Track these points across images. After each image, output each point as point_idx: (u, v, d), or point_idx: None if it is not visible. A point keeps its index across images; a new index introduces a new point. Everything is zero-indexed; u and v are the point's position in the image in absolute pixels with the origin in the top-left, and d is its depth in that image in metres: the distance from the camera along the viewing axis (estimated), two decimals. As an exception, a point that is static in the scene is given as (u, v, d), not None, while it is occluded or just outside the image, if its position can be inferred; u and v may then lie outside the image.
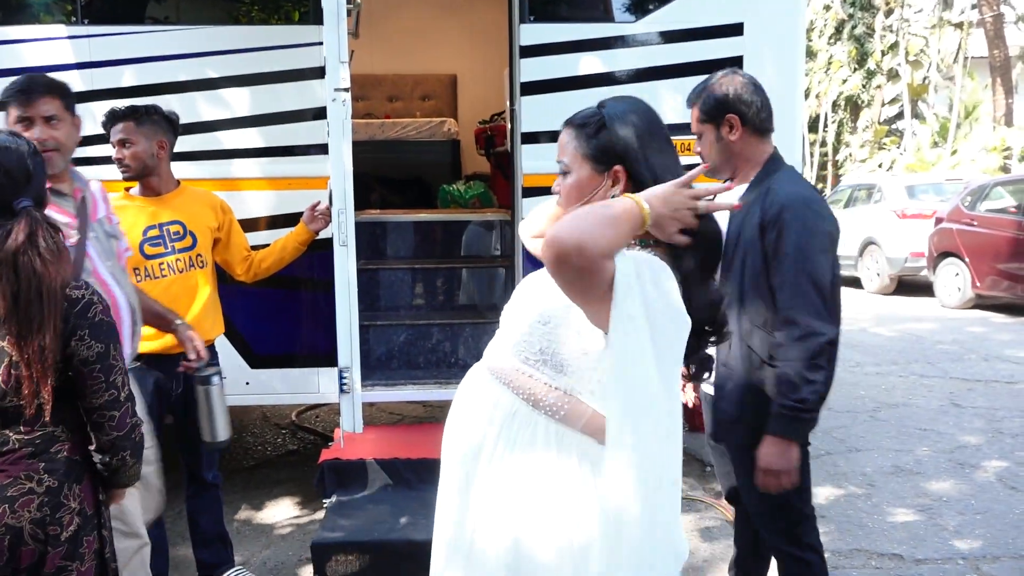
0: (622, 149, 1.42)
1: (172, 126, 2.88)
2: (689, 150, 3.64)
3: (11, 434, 1.58)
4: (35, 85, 2.21)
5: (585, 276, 1.26)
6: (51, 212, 1.82)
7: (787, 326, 2.02)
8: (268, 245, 3.04)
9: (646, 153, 1.42)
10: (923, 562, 3.23)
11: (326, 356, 3.49)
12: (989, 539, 3.42)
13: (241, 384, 3.63)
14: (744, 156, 2.21)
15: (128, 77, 3.43)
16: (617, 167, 1.43)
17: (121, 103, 3.36)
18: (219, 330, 3.00)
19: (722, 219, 2.06)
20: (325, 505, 3.36)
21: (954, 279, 9.81)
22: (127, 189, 2.89)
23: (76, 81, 3.42)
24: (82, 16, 3.46)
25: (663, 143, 1.46)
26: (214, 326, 2.92)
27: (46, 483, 1.59)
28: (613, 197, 1.40)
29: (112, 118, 2.79)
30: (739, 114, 2.17)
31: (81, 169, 3.40)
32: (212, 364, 2.61)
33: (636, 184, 1.41)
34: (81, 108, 3.41)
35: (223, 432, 2.58)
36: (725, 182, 2.17)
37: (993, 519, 3.62)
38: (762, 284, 2.09)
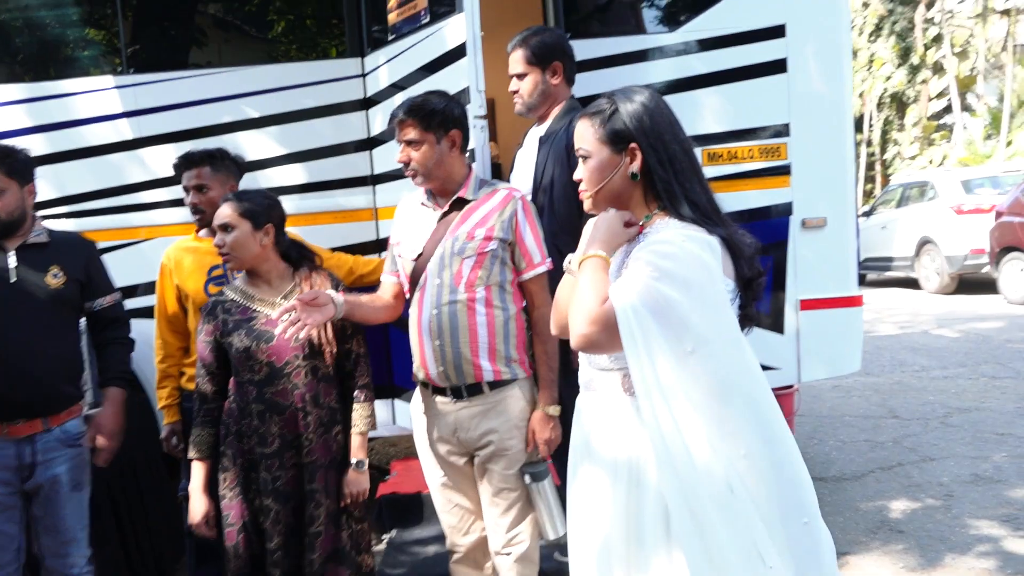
0: (635, 129, 1.57)
1: (240, 169, 2.93)
2: (736, 158, 3.57)
3: None
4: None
5: (612, 339, 1.48)
6: (415, 219, 2.42)
7: None
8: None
9: (657, 131, 1.58)
10: (1014, 577, 3.06)
11: (379, 388, 3.46)
12: (1084, 549, 3.22)
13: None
14: (557, 98, 2.77)
15: (173, 122, 3.48)
16: (632, 145, 1.58)
17: (169, 148, 3.48)
18: None
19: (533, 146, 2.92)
20: (384, 540, 3.33)
21: (1019, 274, 9.44)
22: (197, 231, 2.93)
23: (125, 129, 3.52)
24: (128, 66, 3.54)
25: (670, 120, 1.61)
26: None
27: None
28: (632, 174, 1.59)
29: (187, 163, 2.79)
30: (563, 62, 2.69)
31: (140, 215, 3.53)
32: (540, 459, 2.37)
33: (647, 160, 1.57)
34: (130, 155, 3.55)
35: (550, 530, 2.32)
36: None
37: (1086, 527, 3.41)
38: (571, 195, 2.36)
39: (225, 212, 2.37)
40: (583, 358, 1.70)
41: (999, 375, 6.21)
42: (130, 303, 3.39)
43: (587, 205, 1.66)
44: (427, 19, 3.13)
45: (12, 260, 2.41)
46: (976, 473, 4.15)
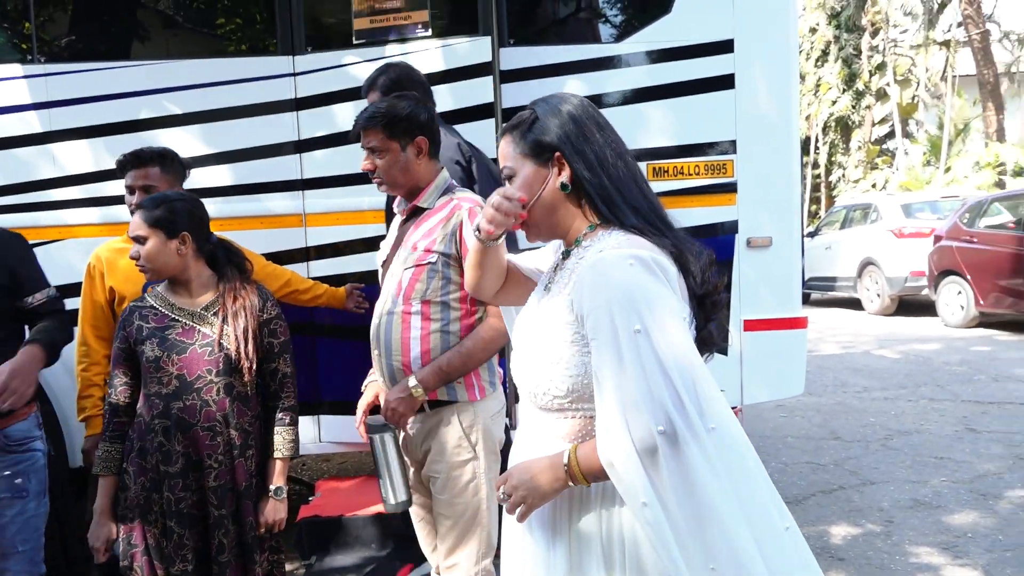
0: (557, 136, 1.43)
1: (185, 172, 2.77)
2: (682, 173, 3.48)
3: None
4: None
5: None
6: (393, 225, 2.38)
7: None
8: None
9: (583, 134, 1.43)
10: (953, 608, 3.00)
11: (306, 405, 3.26)
12: (1022, 579, 3.19)
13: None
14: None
15: (87, 116, 3.25)
16: (556, 153, 1.44)
17: (82, 144, 3.24)
18: None
19: None
20: (304, 567, 3.12)
21: (956, 297, 9.64)
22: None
23: (34, 122, 3.27)
24: (39, 54, 3.30)
25: (598, 124, 1.46)
26: None
27: None
28: (561, 185, 1.43)
29: (136, 161, 2.63)
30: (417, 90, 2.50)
31: (49, 215, 3.28)
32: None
33: (575, 168, 1.42)
34: (40, 149, 3.30)
35: (390, 494, 2.20)
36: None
37: (1024, 556, 3.39)
38: None
39: (136, 222, 2.22)
40: (522, 388, 1.49)
41: (938, 397, 6.26)
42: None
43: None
44: (427, 32, 3.20)
45: None
46: (916, 498, 4.12)
